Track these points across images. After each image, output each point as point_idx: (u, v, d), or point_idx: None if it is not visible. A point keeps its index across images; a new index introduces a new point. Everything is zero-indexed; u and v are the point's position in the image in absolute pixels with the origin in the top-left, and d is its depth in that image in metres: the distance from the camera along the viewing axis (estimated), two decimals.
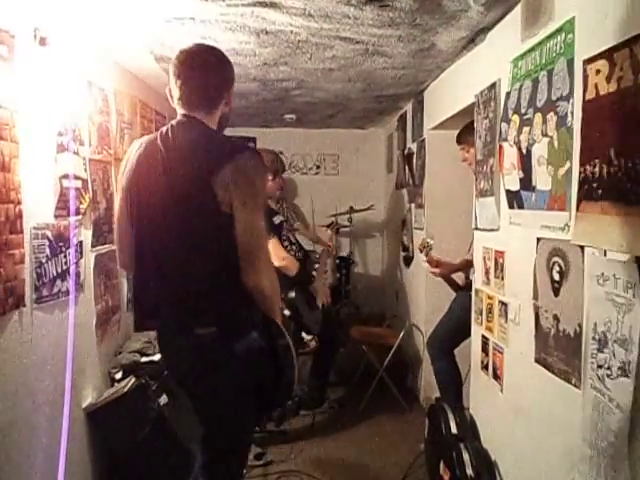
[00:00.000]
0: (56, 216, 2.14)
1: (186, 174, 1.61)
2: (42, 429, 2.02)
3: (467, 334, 2.75)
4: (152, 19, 2.29)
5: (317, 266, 3.92)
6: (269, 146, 5.48)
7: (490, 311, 2.42)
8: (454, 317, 3.03)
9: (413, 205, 4.16)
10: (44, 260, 2.03)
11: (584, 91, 1.57)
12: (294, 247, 3.48)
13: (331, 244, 4.87)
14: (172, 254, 1.65)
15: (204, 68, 1.71)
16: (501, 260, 2.30)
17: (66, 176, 2.22)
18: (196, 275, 1.64)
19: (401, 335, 3.81)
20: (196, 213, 1.62)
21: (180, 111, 1.73)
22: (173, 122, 1.72)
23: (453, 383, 3.03)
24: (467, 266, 3.01)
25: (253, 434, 1.87)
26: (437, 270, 3.14)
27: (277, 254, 3.14)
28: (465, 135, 2.88)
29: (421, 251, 3.17)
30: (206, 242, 1.64)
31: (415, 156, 4.08)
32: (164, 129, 1.72)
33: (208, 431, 1.77)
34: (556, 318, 1.77)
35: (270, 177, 3.49)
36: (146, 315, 1.78)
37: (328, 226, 5.14)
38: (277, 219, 3.45)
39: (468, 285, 3.02)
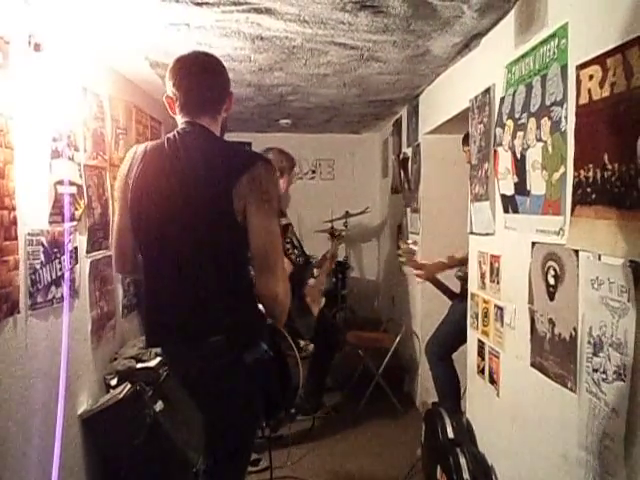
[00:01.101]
0: (51, 222, 2.13)
1: (204, 186, 1.60)
2: (37, 436, 2.00)
3: (465, 339, 2.75)
4: (147, 25, 2.29)
5: (316, 271, 3.92)
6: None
7: (486, 315, 2.43)
8: (452, 322, 3.02)
9: (409, 209, 4.16)
10: (39, 266, 2.02)
11: (577, 96, 1.58)
12: (296, 251, 3.46)
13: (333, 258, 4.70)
14: (187, 264, 1.63)
15: (206, 74, 1.69)
16: (496, 264, 2.31)
17: (61, 182, 2.21)
18: (211, 285, 1.63)
19: (397, 339, 3.81)
20: (213, 223, 1.61)
21: (183, 118, 1.70)
22: (179, 129, 1.70)
23: (451, 389, 3.02)
24: (454, 263, 3.00)
25: (255, 440, 1.87)
26: (421, 273, 3.14)
27: None
28: None
29: (400, 256, 3.20)
30: (221, 252, 1.63)
31: (410, 161, 4.09)
32: (171, 136, 1.69)
33: (212, 437, 1.77)
34: (551, 322, 1.78)
35: (277, 175, 3.51)
36: (160, 330, 1.74)
37: (332, 235, 4.96)
38: (284, 220, 3.45)
39: (464, 292, 3.01)
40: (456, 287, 3.17)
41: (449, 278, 3.20)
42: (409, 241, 3.31)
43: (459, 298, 3.06)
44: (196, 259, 1.63)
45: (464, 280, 2.98)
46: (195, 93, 1.69)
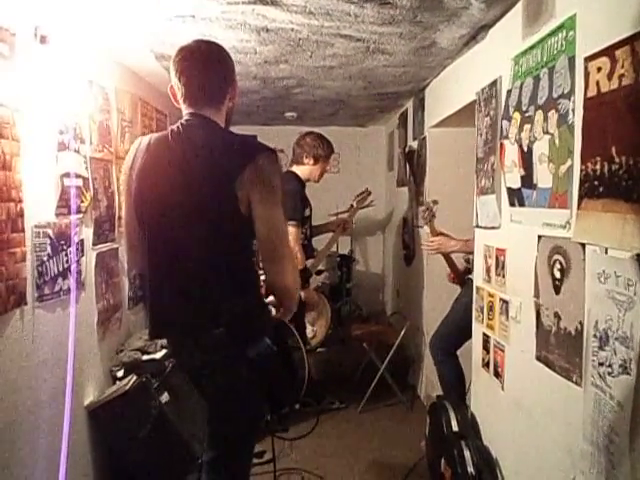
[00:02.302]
0: (57, 214, 2.14)
1: (207, 177, 1.59)
2: (44, 427, 2.02)
3: (469, 335, 2.74)
4: (153, 17, 2.28)
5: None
6: (269, 144, 5.50)
7: (491, 309, 2.43)
8: (456, 318, 3.00)
9: (414, 203, 4.16)
10: (45, 258, 2.03)
11: (585, 88, 1.57)
12: (305, 242, 3.47)
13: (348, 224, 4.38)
14: (190, 256, 1.63)
15: (207, 63, 1.68)
16: (502, 258, 2.30)
17: (67, 174, 2.22)
18: (213, 277, 1.63)
19: (402, 333, 3.81)
20: (217, 215, 1.60)
21: (187, 110, 1.70)
22: (183, 121, 1.69)
23: (456, 384, 3.00)
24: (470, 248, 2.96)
25: (259, 432, 1.87)
26: (436, 240, 3.07)
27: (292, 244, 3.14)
28: None
29: (423, 214, 3.14)
30: (225, 244, 1.63)
31: (416, 154, 4.07)
32: (174, 128, 1.68)
33: (215, 428, 1.78)
34: (557, 316, 1.77)
35: (311, 162, 3.45)
36: (163, 322, 1.74)
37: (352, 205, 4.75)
38: (308, 211, 3.44)
39: (467, 271, 2.99)
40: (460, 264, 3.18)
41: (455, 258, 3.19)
42: (430, 200, 3.24)
43: (464, 277, 3.05)
44: (199, 251, 1.63)
45: (469, 265, 2.96)
46: (196, 84, 1.67)
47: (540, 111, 1.89)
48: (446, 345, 3.05)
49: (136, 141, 1.77)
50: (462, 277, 3.13)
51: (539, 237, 1.90)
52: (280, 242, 1.63)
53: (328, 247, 4.15)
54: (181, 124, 1.69)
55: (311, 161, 3.47)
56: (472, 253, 2.93)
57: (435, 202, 3.15)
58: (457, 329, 2.96)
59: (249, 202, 1.57)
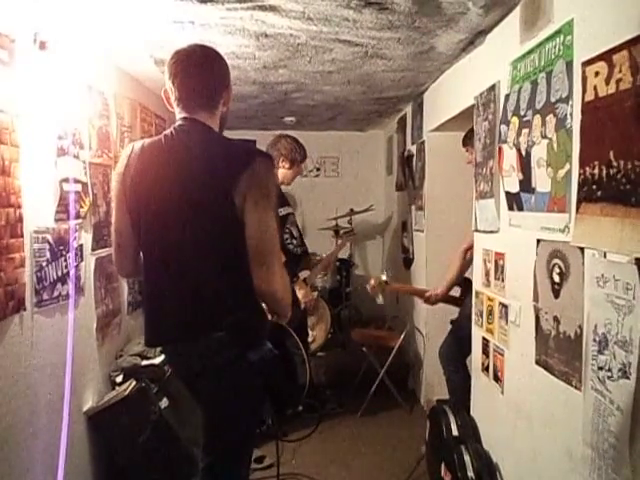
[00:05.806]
0: (56, 220, 2.14)
1: (203, 184, 1.58)
2: (42, 433, 2.02)
3: None
4: (152, 23, 2.29)
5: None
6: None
7: (490, 313, 2.43)
8: (464, 327, 2.98)
9: (413, 207, 4.16)
10: (44, 264, 2.03)
11: (583, 93, 1.58)
12: (294, 241, 3.36)
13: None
14: (188, 263, 1.62)
15: (202, 67, 1.68)
16: (501, 262, 2.30)
17: (66, 180, 2.22)
18: (212, 283, 1.62)
19: (402, 337, 3.81)
20: (214, 221, 1.60)
21: (181, 114, 1.69)
22: (176, 126, 1.68)
23: (465, 394, 2.99)
24: (452, 284, 3.08)
25: (258, 437, 1.86)
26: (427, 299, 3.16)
27: None
28: (471, 138, 2.88)
29: (373, 289, 3.17)
30: (223, 250, 1.62)
31: (415, 158, 4.08)
32: (168, 133, 1.67)
33: (213, 434, 1.76)
34: (556, 320, 1.77)
35: (287, 165, 3.42)
36: (161, 329, 1.72)
37: (336, 233, 5.06)
38: (283, 210, 3.29)
39: (465, 294, 3.03)
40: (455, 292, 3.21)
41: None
42: (383, 276, 3.29)
43: (464, 301, 3.06)
44: (197, 257, 1.62)
45: (461, 285, 3.01)
46: (190, 87, 1.67)
47: (538, 115, 1.89)
48: (457, 355, 3.04)
49: (127, 147, 1.75)
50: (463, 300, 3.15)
51: (538, 241, 1.90)
52: (270, 248, 1.61)
53: (322, 267, 4.17)
54: (174, 129, 1.67)
55: (287, 164, 3.41)
56: (459, 282, 2.97)
57: (384, 273, 3.26)
58: (465, 339, 2.94)
59: (244, 208, 1.57)
